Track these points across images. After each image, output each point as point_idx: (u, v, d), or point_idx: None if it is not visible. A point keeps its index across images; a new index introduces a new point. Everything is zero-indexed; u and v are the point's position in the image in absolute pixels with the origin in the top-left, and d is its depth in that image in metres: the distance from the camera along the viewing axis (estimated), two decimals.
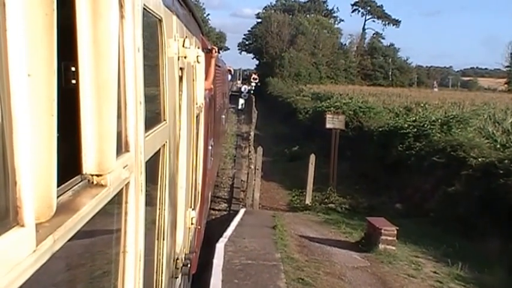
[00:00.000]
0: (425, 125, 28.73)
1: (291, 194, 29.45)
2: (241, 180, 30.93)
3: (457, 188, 22.76)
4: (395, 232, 16.12)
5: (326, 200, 26.75)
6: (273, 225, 19.09)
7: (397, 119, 33.81)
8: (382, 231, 16.05)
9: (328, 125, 28.08)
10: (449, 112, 34.51)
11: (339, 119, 28.41)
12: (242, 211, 22.90)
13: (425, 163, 25.89)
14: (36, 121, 1.53)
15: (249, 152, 34.71)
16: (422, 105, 41.41)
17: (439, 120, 29.14)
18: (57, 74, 1.61)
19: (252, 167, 26.20)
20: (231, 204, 26.12)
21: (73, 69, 2.80)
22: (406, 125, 29.88)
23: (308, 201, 26.06)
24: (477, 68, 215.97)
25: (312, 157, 25.35)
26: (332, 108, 39.63)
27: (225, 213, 24.57)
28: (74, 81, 2.97)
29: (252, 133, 41.46)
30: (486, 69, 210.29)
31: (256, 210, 24.22)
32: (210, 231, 17.22)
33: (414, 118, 31.38)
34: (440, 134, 27.60)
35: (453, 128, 27.93)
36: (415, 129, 28.79)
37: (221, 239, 16.49)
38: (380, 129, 32.81)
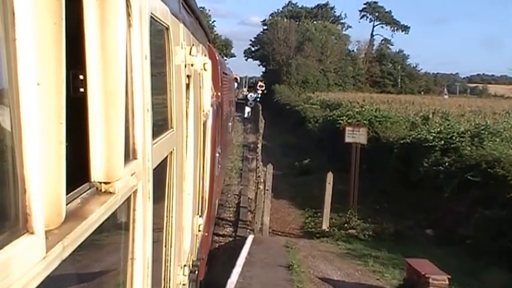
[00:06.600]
0: (454, 137, 26.01)
1: (304, 215, 26.63)
2: (249, 199, 28.27)
3: (497, 211, 19.85)
4: (447, 282, 13.22)
5: (346, 224, 23.50)
6: (288, 264, 16.41)
7: (418, 129, 31.08)
8: (430, 280, 13.08)
9: (347, 139, 24.64)
10: (471, 121, 32.22)
11: (360, 132, 24.84)
12: (250, 239, 19.81)
13: (456, 181, 23.13)
14: (45, 129, 1.54)
15: (257, 166, 32.23)
16: (440, 114, 39.33)
17: (469, 132, 26.41)
18: (66, 82, 1.62)
19: (261, 186, 23.18)
20: (237, 228, 23.19)
21: (81, 77, 2.82)
22: (431, 137, 27.12)
23: (325, 226, 23.16)
24: (483, 74, 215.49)
25: (330, 176, 22.72)
26: (344, 117, 37.90)
27: (231, 239, 21.92)
28: (82, 90, 2.99)
29: (259, 144, 38.54)
30: (493, 75, 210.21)
31: (266, 237, 21.37)
32: (212, 270, 15.15)
33: (439, 129, 28.57)
34: (471, 147, 24.66)
35: (485, 141, 25.01)
36: (442, 142, 26.14)
37: None
38: (401, 142, 29.87)
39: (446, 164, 24.85)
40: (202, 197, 7.99)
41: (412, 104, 58.25)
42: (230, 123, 31.22)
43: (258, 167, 31.37)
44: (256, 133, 48.13)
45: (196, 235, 6.69)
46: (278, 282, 14.92)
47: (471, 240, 19.90)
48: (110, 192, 2.10)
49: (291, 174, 36.08)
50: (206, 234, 10.51)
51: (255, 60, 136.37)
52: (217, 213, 21.70)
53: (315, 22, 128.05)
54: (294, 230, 24.65)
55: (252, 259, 16.93)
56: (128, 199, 2.50)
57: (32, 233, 1.39)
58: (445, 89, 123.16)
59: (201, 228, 6.80)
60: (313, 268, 16.59)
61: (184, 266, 5.00)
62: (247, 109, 70.31)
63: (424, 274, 13.24)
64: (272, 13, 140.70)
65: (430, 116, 38.62)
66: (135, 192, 2.60)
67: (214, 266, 16.09)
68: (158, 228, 3.77)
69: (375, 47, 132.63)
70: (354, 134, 24.82)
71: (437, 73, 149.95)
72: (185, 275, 4.96)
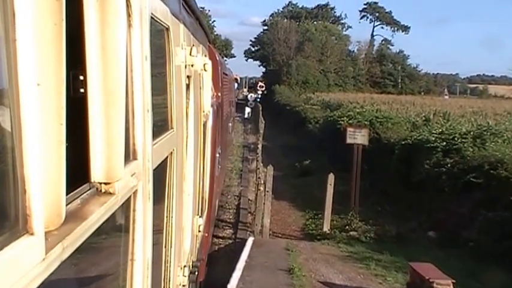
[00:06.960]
0: (456, 138, 25.81)
1: (305, 217, 26.24)
2: (249, 200, 27.87)
3: (500, 213, 19.58)
4: (451, 286, 12.76)
5: (347, 226, 23.13)
6: (289, 268, 15.98)
7: (419, 130, 30.84)
8: (434, 285, 12.65)
9: (349, 140, 24.42)
10: (473, 122, 32.04)
11: (362, 133, 24.65)
12: (250, 241, 19.35)
13: (458, 183, 22.92)
14: (45, 129, 1.54)
15: (257, 167, 31.83)
16: (441, 114, 39.00)
17: (471, 133, 26.23)
18: (66, 82, 1.62)
19: (261, 188, 22.63)
20: (237, 229, 22.73)
21: (81, 77, 2.82)
22: (432, 138, 26.84)
23: (326, 228, 22.81)
24: (483, 75, 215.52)
25: (331, 177, 22.36)
26: (345, 117, 37.77)
27: (231, 241, 21.44)
28: (82, 90, 2.99)
29: (259, 145, 38.14)
30: (493, 76, 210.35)
31: (266, 239, 20.95)
32: (212, 272, 14.90)
33: (441, 130, 28.17)
34: (473, 148, 24.52)
35: (487, 142, 24.94)
36: (444, 143, 25.92)
37: None
38: (402, 142, 29.51)
39: (448, 165, 24.59)
40: (202, 198, 7.99)
41: (412, 104, 57.98)
42: (230, 124, 31.14)
43: (258, 168, 31.05)
44: (257, 134, 47.80)
45: (196, 236, 6.68)
46: (279, 287, 14.54)
47: (474, 242, 19.56)
48: (110, 193, 2.10)
49: (292, 175, 35.71)
50: (206, 234, 10.51)
51: (255, 60, 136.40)
52: (217, 214, 21.42)
53: (315, 22, 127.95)
54: (294, 232, 24.30)
55: (252, 262, 16.55)
56: (128, 200, 2.50)
57: (32, 233, 1.39)
58: (446, 90, 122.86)
59: (201, 228, 6.80)
60: (314, 272, 16.22)
61: (184, 266, 5.00)
62: (248, 109, 70.20)
63: (428, 278, 12.81)
64: (272, 13, 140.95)
65: (431, 116, 38.22)
66: (135, 193, 2.59)
67: (214, 267, 15.83)
68: (158, 228, 3.77)
69: (375, 48, 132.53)
70: (355, 134, 24.58)
71: (438, 73, 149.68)
72: (185, 276, 4.96)
